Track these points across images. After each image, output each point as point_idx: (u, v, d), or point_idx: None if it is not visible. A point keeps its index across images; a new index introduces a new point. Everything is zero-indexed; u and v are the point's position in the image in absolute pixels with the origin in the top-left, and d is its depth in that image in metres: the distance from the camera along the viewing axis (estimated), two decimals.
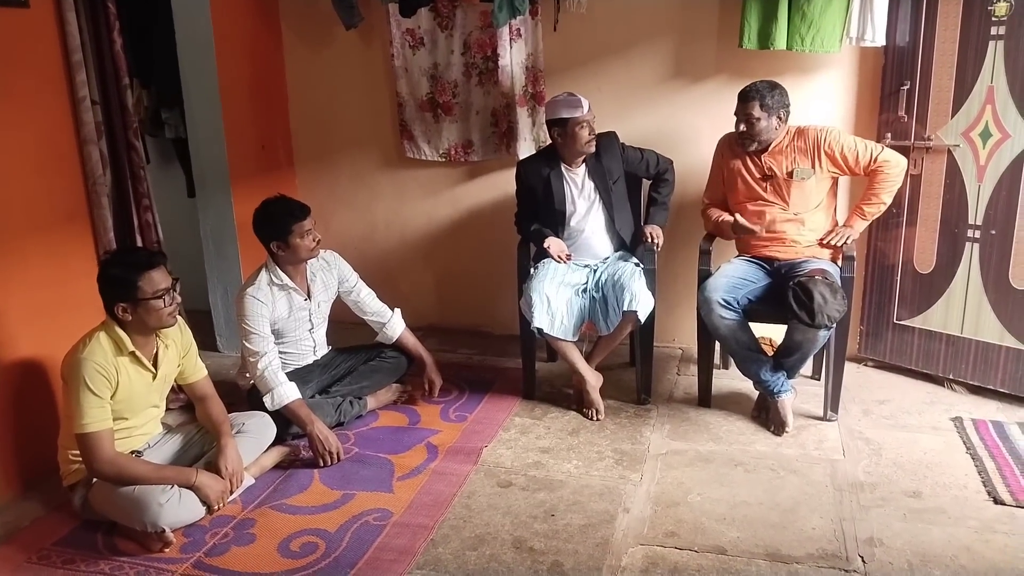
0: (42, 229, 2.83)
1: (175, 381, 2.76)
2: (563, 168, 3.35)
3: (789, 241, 3.17)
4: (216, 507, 2.50)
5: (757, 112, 3.06)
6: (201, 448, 2.72)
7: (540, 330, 3.18)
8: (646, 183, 3.55)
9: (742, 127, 3.11)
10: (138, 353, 2.50)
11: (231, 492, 2.60)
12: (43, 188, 2.85)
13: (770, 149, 3.15)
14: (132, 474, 2.41)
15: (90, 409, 2.36)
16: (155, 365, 2.57)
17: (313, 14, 3.96)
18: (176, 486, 2.45)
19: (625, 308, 3.11)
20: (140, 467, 2.44)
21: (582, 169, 3.35)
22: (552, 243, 3.30)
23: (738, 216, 3.15)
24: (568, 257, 3.30)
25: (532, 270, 3.31)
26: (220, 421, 2.71)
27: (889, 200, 3.12)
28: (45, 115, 2.84)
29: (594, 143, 3.27)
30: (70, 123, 2.92)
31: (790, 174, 3.12)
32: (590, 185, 3.35)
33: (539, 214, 3.41)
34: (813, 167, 3.10)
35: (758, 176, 3.18)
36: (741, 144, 3.17)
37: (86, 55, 2.92)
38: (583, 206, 3.36)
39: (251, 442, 2.75)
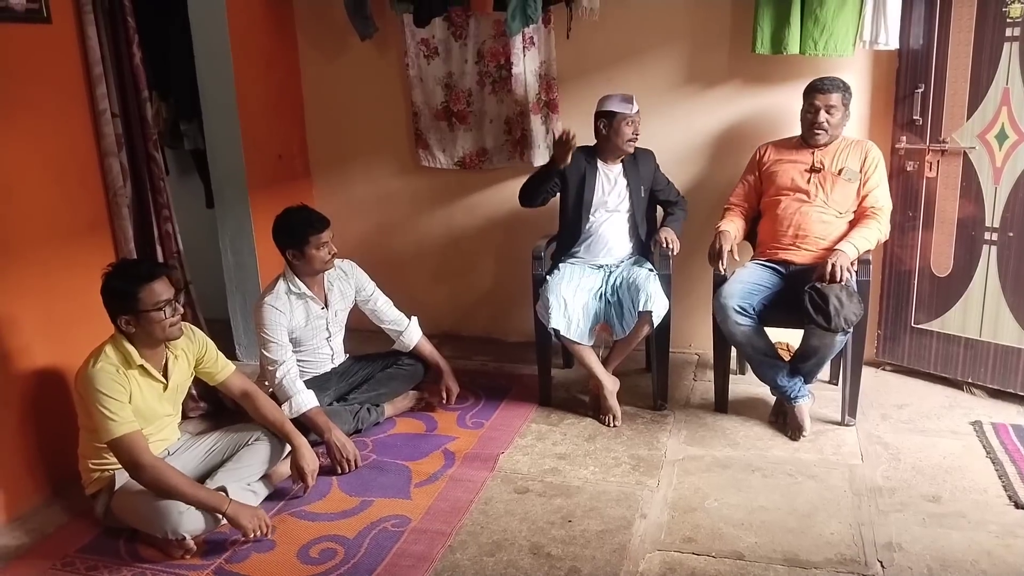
0: (63, 239, 2.88)
1: (213, 384, 2.79)
2: (599, 163, 3.40)
3: (811, 244, 3.14)
4: (252, 535, 2.43)
5: (839, 103, 3.09)
6: (222, 457, 2.72)
7: (557, 332, 3.19)
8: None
9: (823, 117, 3.10)
10: (147, 365, 2.52)
11: (309, 485, 2.71)
12: (64, 199, 2.89)
13: (826, 147, 3.18)
14: (168, 483, 2.38)
15: (115, 415, 2.38)
16: (165, 376, 2.60)
17: (328, 25, 4.01)
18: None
19: (640, 309, 3.12)
20: (177, 478, 2.41)
21: (618, 167, 3.40)
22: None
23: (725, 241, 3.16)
24: (573, 136, 3.20)
25: (547, 277, 3.32)
26: (281, 421, 2.76)
27: (862, 246, 3.01)
28: (66, 127, 2.89)
29: (634, 143, 3.33)
30: (91, 135, 2.97)
31: (839, 172, 3.12)
32: (623, 183, 3.39)
33: (567, 208, 3.43)
34: (860, 173, 3.12)
35: (805, 167, 3.18)
36: (810, 136, 3.16)
37: (106, 68, 2.96)
38: (610, 201, 3.39)
39: (268, 450, 2.76)
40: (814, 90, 3.14)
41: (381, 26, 3.86)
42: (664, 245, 3.29)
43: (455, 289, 4.31)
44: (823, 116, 3.10)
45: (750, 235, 3.38)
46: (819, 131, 3.14)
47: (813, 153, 3.18)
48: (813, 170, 3.16)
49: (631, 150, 3.36)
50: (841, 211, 3.15)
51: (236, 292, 3.96)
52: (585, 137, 3.51)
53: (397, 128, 4.12)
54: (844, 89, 3.12)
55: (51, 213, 2.84)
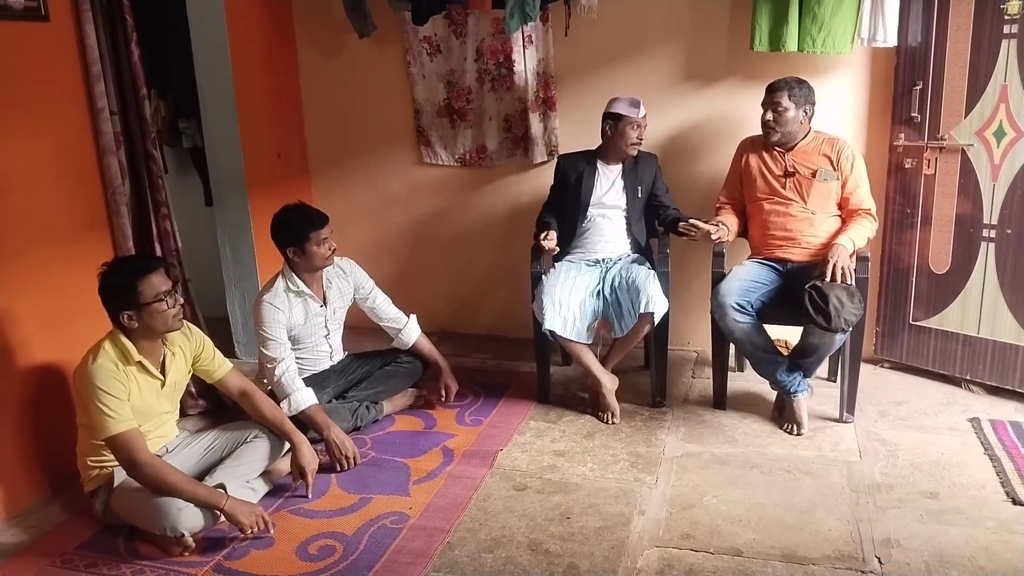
0: (62, 237, 2.88)
1: (211, 382, 2.80)
2: (599, 163, 3.44)
3: (803, 242, 3.16)
4: (250, 532, 2.45)
5: (785, 102, 3.08)
6: (221, 454, 2.72)
7: (552, 332, 3.20)
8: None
9: (769, 116, 3.12)
10: (145, 362, 2.52)
11: (309, 487, 2.73)
12: (63, 197, 2.90)
13: (796, 148, 3.17)
14: (166, 481, 2.39)
15: (113, 412, 2.38)
16: (163, 372, 2.60)
17: (327, 23, 4.01)
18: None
19: (642, 310, 3.12)
20: (175, 476, 2.42)
21: (618, 168, 3.43)
22: (546, 236, 3.32)
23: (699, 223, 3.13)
24: (549, 248, 3.31)
25: (543, 277, 3.32)
26: (280, 420, 2.76)
27: (859, 241, 3.04)
28: (65, 125, 2.89)
29: (638, 147, 3.37)
30: (89, 133, 2.97)
31: (814, 174, 3.13)
32: (620, 184, 3.42)
33: (565, 206, 3.47)
34: (835, 171, 3.13)
35: (779, 173, 3.18)
36: (765, 135, 3.18)
37: (104, 66, 2.96)
38: (607, 200, 3.42)
39: (267, 447, 2.76)
40: (766, 91, 3.16)
41: (379, 24, 3.86)
42: (695, 226, 3.17)
43: (455, 286, 4.31)
44: (769, 115, 3.13)
45: (744, 233, 3.38)
46: (767, 130, 3.16)
47: (784, 156, 3.18)
48: (787, 175, 3.17)
49: (634, 153, 3.39)
50: (824, 211, 3.15)
51: (235, 290, 3.96)
52: (586, 138, 3.53)
53: (396, 125, 4.12)
54: (793, 87, 3.09)
55: (50, 211, 2.84)
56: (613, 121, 3.35)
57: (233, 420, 2.90)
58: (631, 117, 3.30)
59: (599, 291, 3.30)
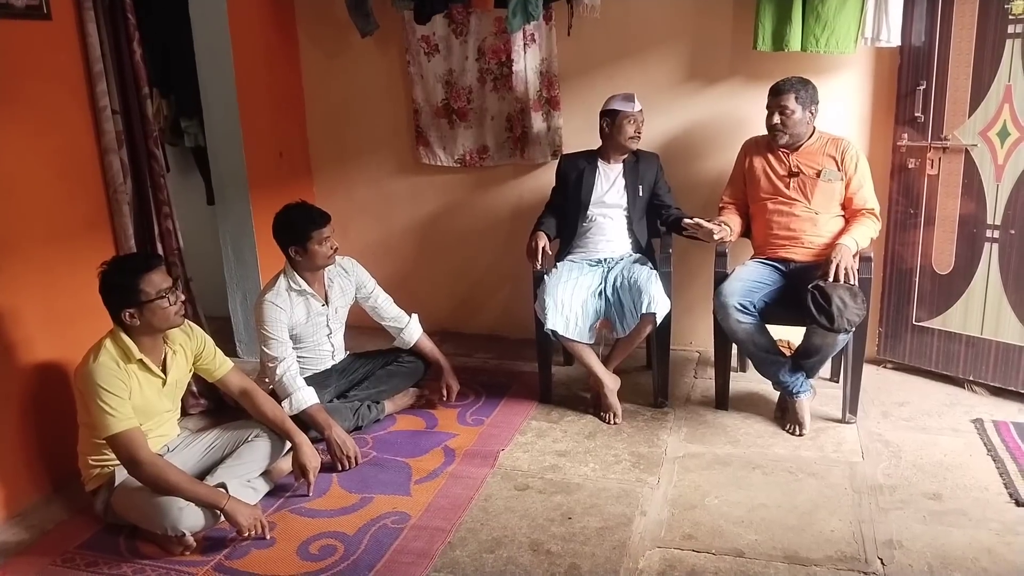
0: (64, 236, 2.88)
1: (212, 380, 2.80)
2: (599, 162, 3.44)
3: (807, 242, 3.16)
4: (248, 533, 2.45)
5: (792, 104, 3.06)
6: (222, 453, 2.72)
7: (555, 332, 3.19)
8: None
9: (776, 119, 3.10)
10: (146, 360, 2.52)
11: (310, 486, 2.73)
12: (65, 196, 2.89)
13: (800, 149, 3.16)
14: (167, 480, 2.39)
15: (114, 410, 2.38)
16: (164, 371, 2.60)
17: (329, 22, 4.00)
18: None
19: (643, 311, 3.12)
20: (176, 475, 2.42)
21: (619, 167, 3.43)
22: (538, 238, 3.34)
23: (702, 221, 3.12)
24: (544, 255, 3.32)
25: (545, 276, 3.32)
26: (281, 419, 2.75)
27: (862, 241, 3.03)
28: (67, 124, 2.89)
29: (636, 141, 3.37)
30: (91, 132, 2.97)
31: (818, 174, 3.12)
32: (621, 183, 3.41)
33: (566, 206, 3.47)
34: (839, 171, 3.12)
35: (783, 173, 3.18)
36: (772, 138, 3.17)
37: (107, 65, 2.96)
38: (607, 199, 3.41)
39: (268, 447, 2.76)
40: (769, 92, 3.15)
41: (382, 23, 3.86)
42: (699, 225, 3.15)
43: (456, 286, 4.31)
44: (776, 118, 3.11)
45: (746, 233, 3.37)
46: (775, 133, 3.14)
47: (788, 156, 3.17)
48: (791, 175, 3.16)
49: (633, 147, 3.38)
50: (828, 211, 3.15)
51: (236, 289, 3.96)
52: (589, 137, 3.52)
53: (398, 125, 4.12)
54: (799, 89, 3.07)
55: (52, 210, 2.84)
56: (610, 118, 3.35)
57: (234, 419, 2.89)
58: (627, 111, 3.31)
59: (601, 291, 3.30)
